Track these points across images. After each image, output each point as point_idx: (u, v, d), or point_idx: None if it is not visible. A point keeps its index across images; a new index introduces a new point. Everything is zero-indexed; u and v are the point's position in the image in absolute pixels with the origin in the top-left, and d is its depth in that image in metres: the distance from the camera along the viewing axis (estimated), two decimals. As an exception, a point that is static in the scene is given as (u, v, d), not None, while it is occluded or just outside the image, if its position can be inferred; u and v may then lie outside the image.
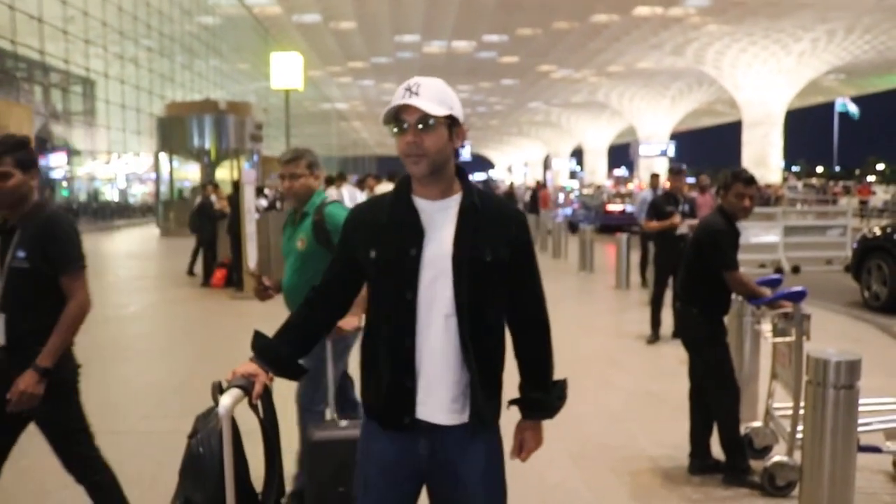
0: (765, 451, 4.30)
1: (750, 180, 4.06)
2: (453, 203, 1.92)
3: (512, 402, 2.09)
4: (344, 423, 2.97)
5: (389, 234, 1.92)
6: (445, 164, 1.90)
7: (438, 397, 1.90)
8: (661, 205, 7.72)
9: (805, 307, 3.91)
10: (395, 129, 1.87)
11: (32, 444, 4.61)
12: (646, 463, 4.35)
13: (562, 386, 2.09)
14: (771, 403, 4.27)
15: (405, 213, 1.92)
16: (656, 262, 7.91)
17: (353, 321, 3.15)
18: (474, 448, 1.96)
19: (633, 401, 5.61)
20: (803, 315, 3.88)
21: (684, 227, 7.45)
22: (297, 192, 3.52)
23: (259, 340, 2.01)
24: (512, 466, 4.24)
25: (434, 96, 1.84)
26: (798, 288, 3.92)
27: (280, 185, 13.33)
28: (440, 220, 1.91)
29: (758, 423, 4.39)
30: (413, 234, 1.89)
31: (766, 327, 4.13)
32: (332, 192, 12.86)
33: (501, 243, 1.92)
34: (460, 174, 1.98)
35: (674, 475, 4.15)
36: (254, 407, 1.95)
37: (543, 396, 2.04)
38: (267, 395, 1.97)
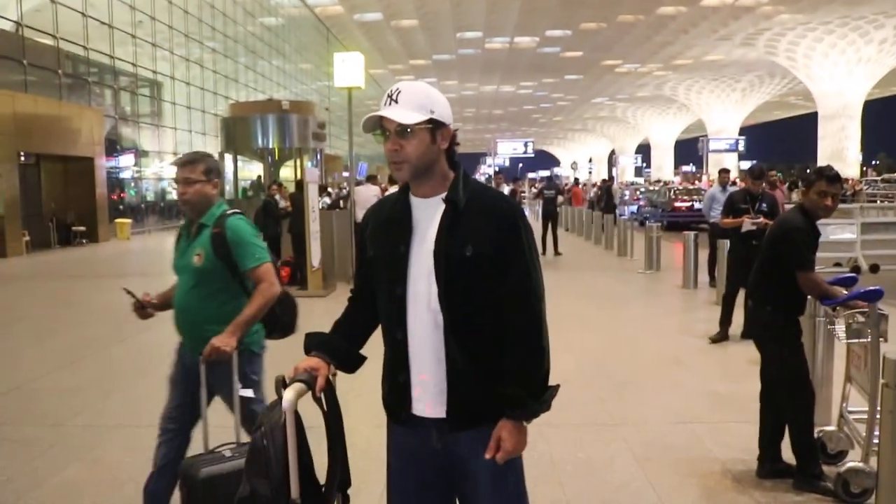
0: (839, 456, 4.13)
1: (834, 178, 3.90)
2: (441, 199, 1.96)
3: (494, 397, 1.96)
4: (227, 452, 2.90)
5: (385, 231, 2.02)
6: (430, 166, 1.94)
7: (430, 391, 1.95)
8: (737, 202, 7.52)
9: (882, 307, 3.74)
10: (381, 136, 1.94)
11: (103, 438, 4.78)
12: (712, 465, 4.20)
13: (550, 392, 1.95)
14: (845, 407, 4.11)
15: (400, 211, 2.00)
16: (729, 259, 7.70)
17: (230, 341, 2.95)
18: (485, 445, 1.92)
19: (698, 402, 5.45)
20: (880, 315, 3.70)
21: (748, 223, 7.26)
22: (190, 201, 3.11)
23: (315, 337, 2.09)
24: (572, 466, 4.20)
25: (412, 102, 1.90)
26: (874, 287, 3.73)
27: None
28: (428, 217, 1.96)
29: (831, 428, 4.21)
30: (403, 231, 1.97)
31: (840, 328, 3.94)
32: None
33: (485, 238, 1.90)
34: (457, 169, 2.01)
35: (741, 478, 4.01)
36: (318, 400, 1.99)
37: (519, 394, 1.89)
38: (329, 388, 2.01)
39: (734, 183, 11.84)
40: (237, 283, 3.14)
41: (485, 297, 1.93)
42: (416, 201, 1.99)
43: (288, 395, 1.90)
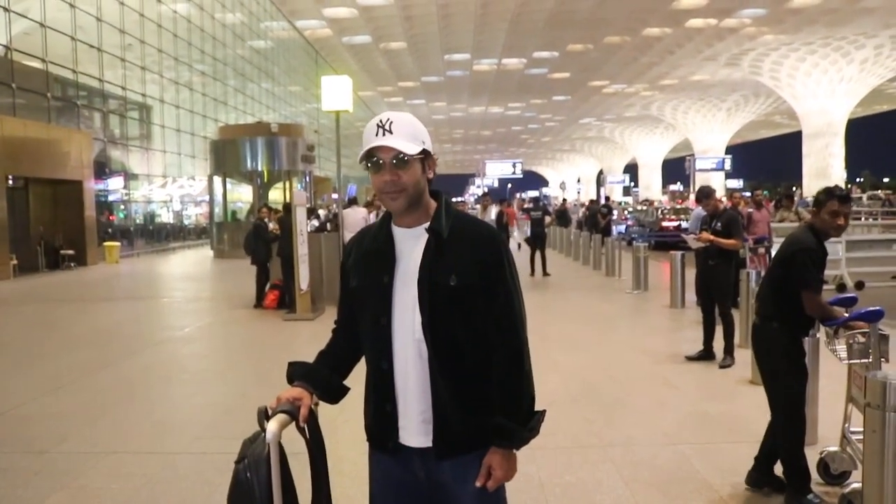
0: (842, 476, 4.13)
1: (845, 198, 3.94)
2: (424, 229, 1.97)
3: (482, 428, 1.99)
4: None
5: (368, 262, 2.02)
6: (421, 195, 1.96)
7: (414, 420, 1.96)
8: (703, 222, 7.79)
9: (882, 327, 3.80)
10: (370, 167, 1.93)
11: (89, 465, 4.74)
12: (700, 486, 4.21)
13: (538, 417, 1.98)
14: (847, 427, 4.09)
15: (382, 241, 2.01)
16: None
17: None
18: (468, 471, 1.94)
19: (686, 422, 5.45)
20: (880, 335, 3.74)
21: (691, 240, 7.76)
22: None
23: (298, 367, 2.09)
24: (560, 489, 4.20)
25: (407, 133, 1.90)
26: (874, 308, 3.78)
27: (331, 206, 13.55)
28: (411, 248, 1.96)
29: (834, 448, 4.20)
30: (386, 261, 1.98)
31: (842, 348, 3.97)
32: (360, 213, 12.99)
33: (468, 267, 1.92)
34: (438, 199, 2.02)
35: (729, 500, 4.01)
36: (301, 430, 1.98)
37: (507, 424, 1.92)
38: (313, 418, 2.00)
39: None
40: None
41: (469, 326, 1.94)
42: (398, 232, 2.00)
43: (271, 426, 1.89)
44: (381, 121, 1.92)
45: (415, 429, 1.96)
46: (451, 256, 1.92)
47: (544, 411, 2.00)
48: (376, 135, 1.90)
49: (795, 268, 3.86)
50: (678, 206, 29.35)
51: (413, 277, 1.93)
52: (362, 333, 2.06)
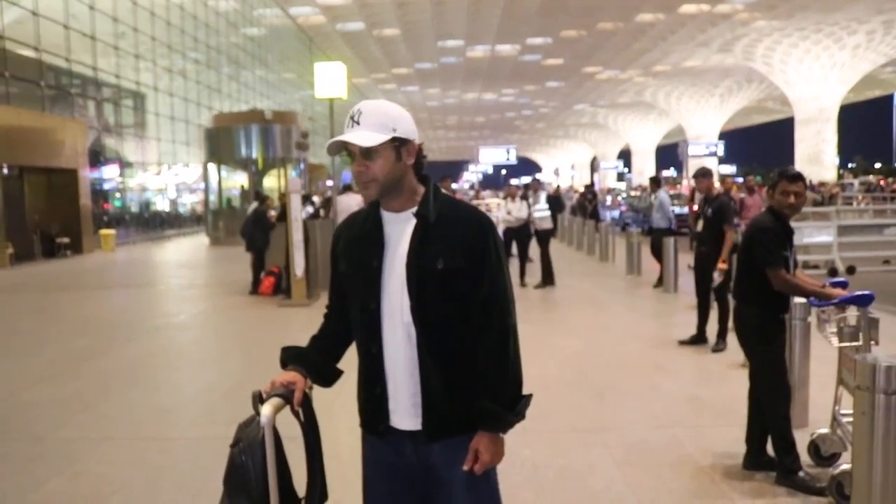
0: (832, 458, 4.19)
1: (795, 176, 4.07)
2: (412, 214, 1.99)
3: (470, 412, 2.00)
4: None
5: (357, 247, 2.04)
6: (398, 182, 1.97)
7: (404, 403, 1.98)
8: (700, 208, 7.93)
9: (871, 311, 3.86)
10: (347, 154, 1.96)
11: (86, 451, 4.78)
12: (692, 469, 4.26)
13: (524, 402, 2.00)
14: (838, 410, 4.16)
15: (371, 226, 2.03)
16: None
17: None
18: (458, 455, 1.96)
19: (678, 406, 5.52)
20: (871, 319, 3.81)
21: (716, 277, 7.21)
22: None
23: (290, 350, 2.12)
24: (553, 472, 4.26)
25: (374, 123, 1.91)
26: (865, 291, 3.85)
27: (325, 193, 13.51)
28: (399, 232, 1.98)
29: (825, 430, 4.27)
30: (375, 246, 2.00)
31: (832, 331, 4.05)
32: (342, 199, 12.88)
33: (456, 251, 1.94)
34: (427, 184, 2.04)
35: (722, 482, 4.07)
36: (296, 414, 2.00)
37: (493, 408, 1.94)
38: (307, 401, 2.02)
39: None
40: None
41: (457, 310, 1.96)
42: (386, 216, 2.02)
43: (265, 410, 1.91)
44: (352, 112, 1.95)
45: (405, 411, 1.98)
46: (438, 240, 1.94)
47: (531, 395, 2.02)
48: (347, 126, 1.94)
49: (756, 248, 3.99)
50: (671, 192, 29.34)
51: (401, 261, 1.95)
52: (352, 317, 2.07)
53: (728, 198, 8.73)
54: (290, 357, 2.09)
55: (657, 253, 11.46)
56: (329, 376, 2.12)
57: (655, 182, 12.40)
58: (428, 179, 2.05)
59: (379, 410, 2.01)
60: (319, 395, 2.11)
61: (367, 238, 2.02)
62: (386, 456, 2.05)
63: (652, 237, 11.78)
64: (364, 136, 1.89)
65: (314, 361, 2.09)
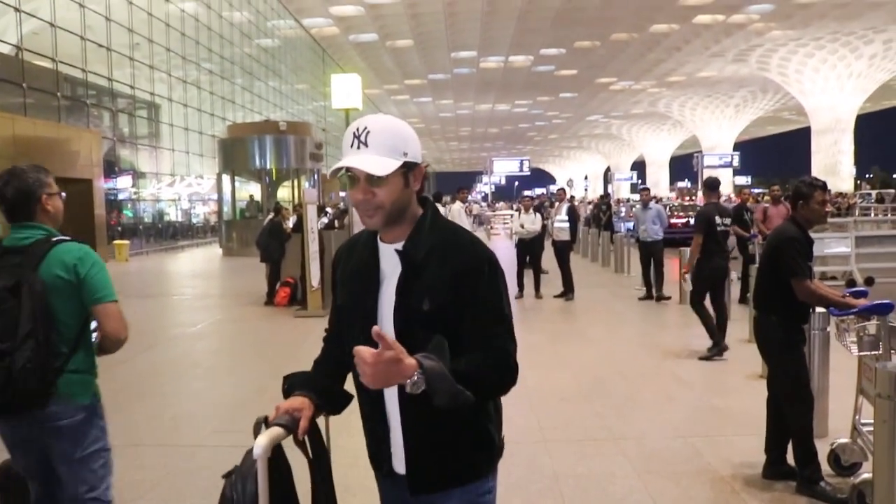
0: (853, 468, 4.17)
1: (825, 186, 4.19)
2: (396, 251, 1.81)
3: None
4: None
5: (354, 281, 1.89)
6: (403, 210, 1.79)
7: (399, 447, 1.83)
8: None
9: (892, 320, 3.85)
10: (348, 177, 1.76)
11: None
12: (711, 478, 4.26)
13: (461, 391, 1.60)
14: (858, 419, 4.15)
15: (368, 259, 1.86)
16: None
17: None
18: (454, 501, 1.83)
19: (696, 416, 5.51)
20: (891, 328, 3.81)
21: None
22: None
23: (295, 377, 1.97)
24: (573, 480, 4.25)
25: (384, 145, 1.71)
26: (885, 301, 3.85)
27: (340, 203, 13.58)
28: (393, 266, 1.80)
29: (845, 440, 4.26)
30: (370, 282, 1.83)
31: (852, 341, 4.04)
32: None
33: (442, 286, 1.73)
34: (425, 208, 1.85)
35: (741, 491, 4.07)
36: (301, 444, 1.83)
37: (440, 367, 1.60)
38: (315, 430, 1.86)
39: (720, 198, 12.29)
40: None
41: (456, 347, 1.72)
42: (383, 248, 1.85)
43: (261, 441, 1.71)
44: (357, 129, 1.73)
45: (400, 455, 1.84)
46: (425, 278, 1.75)
47: (470, 395, 1.63)
48: (351, 145, 1.72)
49: (782, 258, 3.99)
50: (686, 203, 29.33)
51: (390, 302, 1.78)
52: (348, 349, 1.76)
53: (714, 206, 8.27)
54: (296, 383, 1.93)
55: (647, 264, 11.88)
56: (338, 401, 1.95)
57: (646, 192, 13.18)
58: (427, 202, 1.87)
59: (382, 450, 1.87)
60: (335, 421, 1.98)
61: (363, 273, 1.86)
62: (390, 498, 1.95)
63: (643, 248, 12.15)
64: (375, 163, 1.69)
65: (322, 386, 1.93)
